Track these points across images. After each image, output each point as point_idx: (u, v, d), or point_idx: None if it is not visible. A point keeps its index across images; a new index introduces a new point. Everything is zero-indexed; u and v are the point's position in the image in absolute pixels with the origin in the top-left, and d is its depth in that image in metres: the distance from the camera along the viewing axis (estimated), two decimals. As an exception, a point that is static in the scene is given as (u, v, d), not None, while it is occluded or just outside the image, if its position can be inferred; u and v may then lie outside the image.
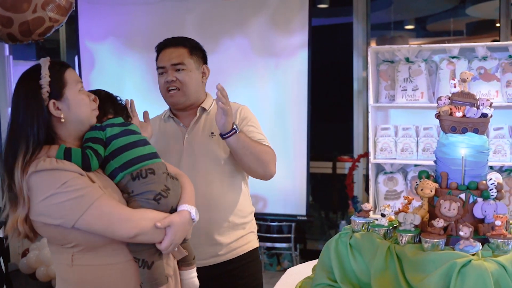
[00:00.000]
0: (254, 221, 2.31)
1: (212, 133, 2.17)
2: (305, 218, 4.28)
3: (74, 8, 2.02)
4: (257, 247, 2.29)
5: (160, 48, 2.22)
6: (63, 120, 1.58)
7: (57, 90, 1.57)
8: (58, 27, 2.06)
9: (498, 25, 4.44)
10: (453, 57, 3.22)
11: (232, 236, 2.18)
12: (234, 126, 2.01)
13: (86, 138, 1.64)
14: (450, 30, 5.32)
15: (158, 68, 2.20)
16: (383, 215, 1.58)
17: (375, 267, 1.46)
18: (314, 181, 5.21)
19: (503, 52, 3.22)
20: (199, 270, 2.07)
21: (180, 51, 2.17)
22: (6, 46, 4.95)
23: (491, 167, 3.23)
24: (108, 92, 1.82)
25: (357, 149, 4.72)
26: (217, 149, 2.15)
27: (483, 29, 5.27)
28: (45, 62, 1.59)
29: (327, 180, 5.15)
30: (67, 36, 5.59)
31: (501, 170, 3.26)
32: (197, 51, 2.22)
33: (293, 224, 4.50)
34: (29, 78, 1.57)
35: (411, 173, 3.38)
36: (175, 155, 2.15)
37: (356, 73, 4.73)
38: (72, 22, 4.71)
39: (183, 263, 1.78)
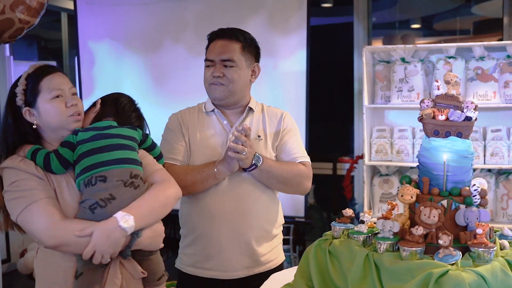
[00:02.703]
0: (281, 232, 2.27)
1: (259, 136, 2.09)
2: (303, 220, 4.23)
3: (44, 10, 1.99)
4: (283, 261, 2.24)
5: (212, 37, 2.12)
6: (35, 126, 1.66)
7: (32, 98, 1.65)
8: (30, 29, 2.02)
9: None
10: (450, 57, 3.15)
11: (268, 247, 2.13)
12: (254, 161, 1.97)
13: (61, 142, 1.68)
14: (455, 29, 5.25)
15: (206, 60, 2.10)
16: (362, 222, 1.53)
17: (353, 275, 1.42)
18: (315, 182, 5.16)
19: (501, 52, 3.16)
20: (231, 282, 2.06)
21: (232, 46, 2.07)
22: (7, 46, 4.96)
23: (488, 170, 3.17)
24: (120, 96, 1.86)
25: (358, 150, 4.66)
26: (263, 154, 2.06)
27: (488, 27, 5.18)
28: (28, 70, 1.67)
29: (328, 181, 5.10)
30: (69, 37, 5.59)
31: (499, 173, 3.19)
32: (251, 48, 2.12)
33: (292, 226, 4.47)
34: (12, 86, 1.68)
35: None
36: (215, 156, 2.05)
37: (357, 73, 4.67)
38: (72, 23, 4.70)
39: (146, 283, 1.75)
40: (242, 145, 1.92)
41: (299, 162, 2.12)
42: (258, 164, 1.98)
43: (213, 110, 2.14)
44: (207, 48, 2.13)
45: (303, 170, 2.11)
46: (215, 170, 1.99)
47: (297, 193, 2.19)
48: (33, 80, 1.65)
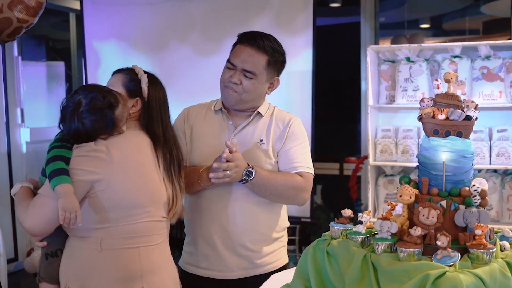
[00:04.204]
0: (286, 235, 2.22)
1: (261, 140, 2.05)
2: (309, 220, 4.21)
3: (43, 10, 2.00)
4: (287, 263, 2.20)
5: (242, 40, 2.05)
6: None
7: None
8: (29, 28, 2.03)
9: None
10: (455, 57, 3.12)
11: (267, 250, 2.10)
12: (244, 176, 1.93)
13: None
14: (464, 28, 5.21)
15: (228, 61, 2.05)
16: (360, 222, 1.51)
17: (350, 276, 1.40)
18: (322, 183, 5.15)
19: (507, 51, 3.12)
20: (228, 282, 2.06)
21: (259, 58, 2.00)
22: (15, 47, 4.98)
23: (495, 171, 3.13)
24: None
25: (364, 150, 4.64)
26: (262, 159, 2.04)
27: (497, 27, 5.14)
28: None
29: (335, 181, 5.08)
30: (77, 37, 5.62)
31: (504, 173, 3.16)
32: (277, 63, 2.05)
33: (297, 226, 4.45)
34: None
35: (412, 176, 3.28)
36: (214, 154, 2.01)
37: (364, 73, 4.66)
38: (79, 23, 4.73)
39: None
40: (226, 169, 1.90)
41: (297, 173, 2.05)
42: (248, 179, 1.94)
43: (220, 109, 2.12)
44: (234, 45, 2.08)
45: (299, 182, 2.03)
46: (200, 179, 1.99)
47: (293, 204, 2.11)
48: None
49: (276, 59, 2.05)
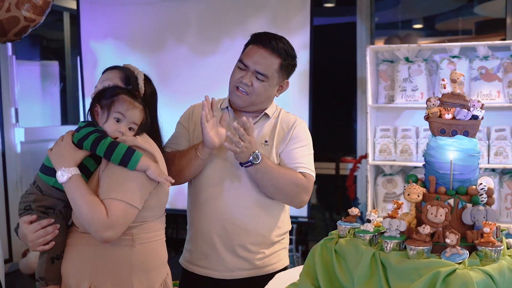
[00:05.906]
0: (288, 238, 2.20)
1: (266, 141, 2.05)
2: (306, 219, 4.23)
3: (50, 9, 1.99)
4: (287, 265, 2.18)
5: (256, 41, 2.01)
6: None
7: None
8: (35, 27, 2.02)
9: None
10: (454, 57, 3.15)
11: (267, 252, 2.08)
12: (251, 158, 1.91)
13: None
14: (457, 29, 5.25)
15: (240, 61, 2.02)
16: (368, 221, 1.52)
17: (359, 275, 1.41)
18: (318, 182, 5.16)
19: (505, 51, 3.16)
20: (228, 282, 2.05)
21: (272, 61, 1.97)
22: (9, 46, 4.95)
23: (492, 170, 3.16)
24: None
25: (361, 150, 4.66)
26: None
27: (491, 27, 5.18)
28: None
29: (331, 181, 5.10)
30: (71, 36, 5.59)
31: (502, 172, 3.19)
32: (288, 67, 2.03)
33: (294, 226, 4.46)
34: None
35: (413, 175, 3.32)
36: (218, 155, 2.00)
37: (360, 73, 4.68)
38: (75, 22, 4.71)
39: None
40: (240, 138, 1.89)
41: (299, 172, 2.04)
42: (254, 162, 1.92)
43: (227, 108, 2.11)
44: (246, 45, 2.05)
45: (301, 181, 2.02)
46: (197, 149, 1.96)
47: (292, 204, 2.09)
48: None
49: (288, 63, 2.03)
